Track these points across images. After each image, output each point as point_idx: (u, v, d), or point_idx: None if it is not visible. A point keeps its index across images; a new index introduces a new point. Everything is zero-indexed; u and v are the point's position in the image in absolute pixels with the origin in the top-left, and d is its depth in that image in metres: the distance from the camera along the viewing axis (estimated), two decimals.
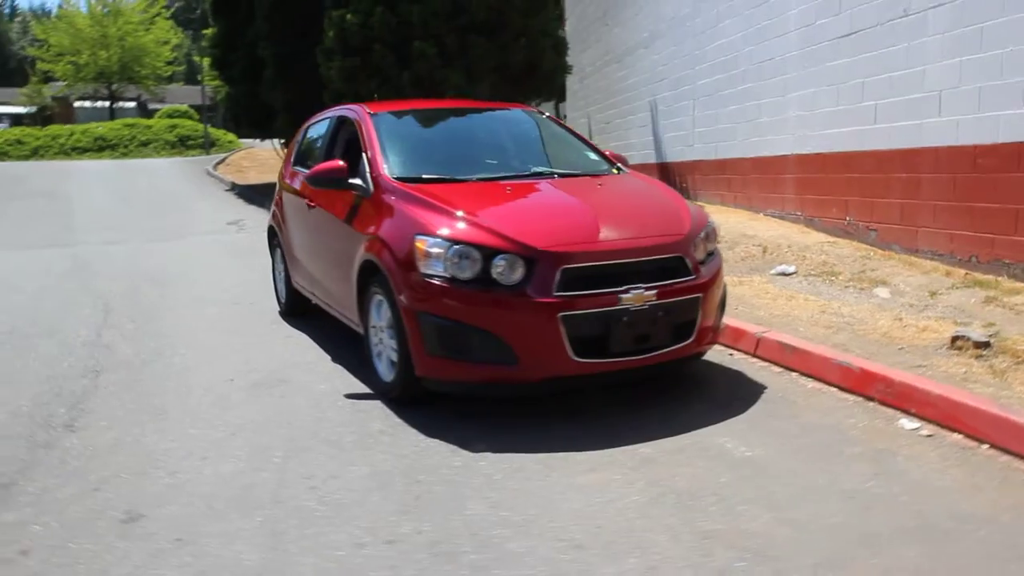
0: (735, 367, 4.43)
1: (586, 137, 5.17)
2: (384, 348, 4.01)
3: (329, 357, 4.93)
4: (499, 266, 3.48)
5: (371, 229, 4.05)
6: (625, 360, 3.58)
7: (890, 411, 3.61)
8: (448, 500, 2.88)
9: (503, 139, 4.94)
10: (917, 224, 6.42)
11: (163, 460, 3.38)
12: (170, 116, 33.15)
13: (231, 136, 31.92)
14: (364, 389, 4.23)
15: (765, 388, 4.04)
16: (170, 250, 10.14)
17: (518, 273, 3.48)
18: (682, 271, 3.75)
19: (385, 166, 4.26)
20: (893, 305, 5.35)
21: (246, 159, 23.19)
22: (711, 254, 4.01)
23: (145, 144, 29.73)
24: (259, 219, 13.36)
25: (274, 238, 6.32)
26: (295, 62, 15.04)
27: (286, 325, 5.89)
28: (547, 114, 5.61)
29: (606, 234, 3.67)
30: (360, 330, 4.43)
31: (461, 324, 3.51)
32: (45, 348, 5.36)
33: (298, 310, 6.06)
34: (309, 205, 5.10)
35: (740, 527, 2.60)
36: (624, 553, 2.46)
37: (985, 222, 5.72)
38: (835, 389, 3.96)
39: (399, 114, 4.92)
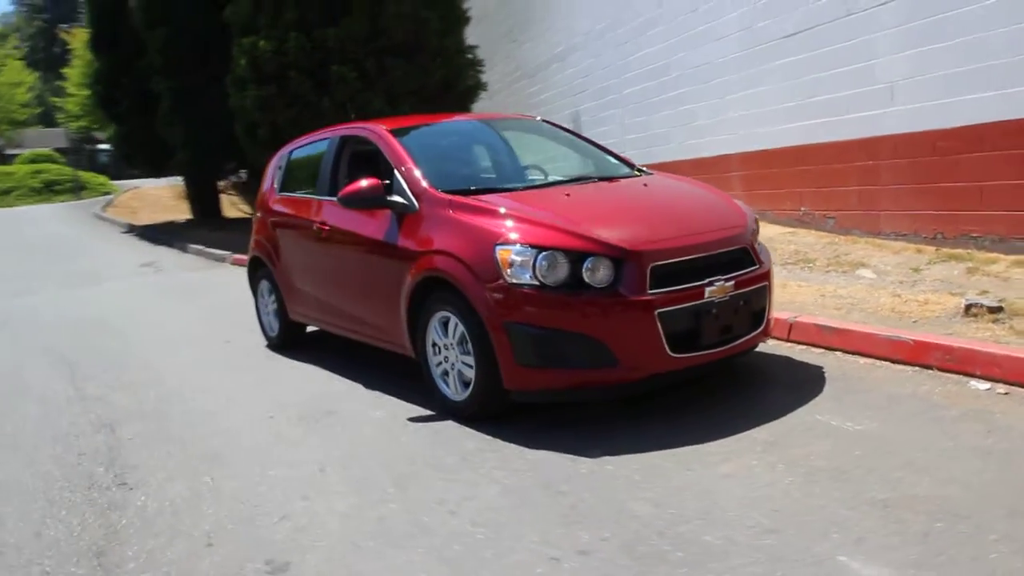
0: (777, 352, 4.56)
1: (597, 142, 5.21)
2: (452, 366, 3.88)
3: (360, 384, 4.72)
4: (588, 269, 3.45)
5: (427, 245, 3.92)
6: (713, 352, 3.63)
7: (954, 376, 3.81)
8: (605, 505, 2.81)
9: (524, 147, 4.92)
10: (878, 208, 6.84)
11: (262, 505, 3.13)
12: (32, 161, 30.93)
13: (102, 178, 30.20)
14: (422, 411, 4.07)
15: (822, 368, 4.17)
16: (95, 297, 9.45)
17: (607, 274, 3.46)
18: (747, 261, 3.84)
19: (426, 181, 4.14)
20: (883, 284, 5.66)
21: (135, 199, 21.94)
22: (759, 245, 4.13)
23: (7, 192, 27.66)
24: (173, 259, 12.71)
25: (258, 270, 5.99)
26: (195, 95, 14.40)
27: (284, 358, 5.60)
28: (539, 118, 5.60)
29: (681, 230, 3.72)
30: (407, 352, 4.28)
31: (556, 331, 3.45)
32: (27, 408, 4.86)
33: (291, 342, 5.80)
34: (321, 230, 4.88)
35: (909, 493, 2.68)
36: (821, 530, 2.48)
37: (949, 200, 6.16)
38: (887, 362, 4.14)
39: (415, 129, 4.79)
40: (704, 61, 8.92)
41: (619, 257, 3.47)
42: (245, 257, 6.44)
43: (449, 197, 3.98)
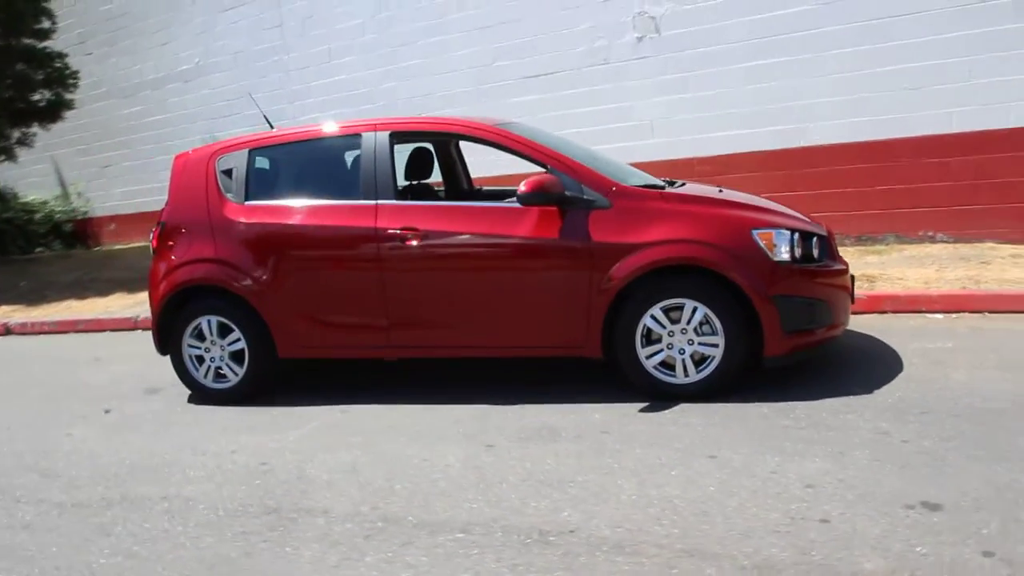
0: None
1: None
2: (682, 351, 3.99)
3: (496, 405, 4.23)
4: (814, 246, 4.11)
5: (648, 237, 3.96)
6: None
7: (908, 315, 5.46)
8: (994, 433, 3.48)
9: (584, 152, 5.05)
10: None
11: (784, 520, 2.98)
12: None
13: None
14: (632, 405, 4.03)
15: None
16: None
17: (818, 250, 4.17)
18: None
19: (609, 177, 4.18)
20: None
21: None
22: None
23: None
24: None
25: (188, 304, 4.59)
26: None
27: (280, 407, 4.51)
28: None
29: (808, 219, 4.56)
30: (584, 353, 4.19)
31: (811, 299, 4.01)
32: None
33: (260, 389, 4.68)
34: (400, 238, 4.22)
35: None
36: None
37: None
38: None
39: (512, 126, 4.54)
40: (427, 92, 9.43)
41: (824, 236, 4.23)
42: None
43: (658, 192, 4.13)
